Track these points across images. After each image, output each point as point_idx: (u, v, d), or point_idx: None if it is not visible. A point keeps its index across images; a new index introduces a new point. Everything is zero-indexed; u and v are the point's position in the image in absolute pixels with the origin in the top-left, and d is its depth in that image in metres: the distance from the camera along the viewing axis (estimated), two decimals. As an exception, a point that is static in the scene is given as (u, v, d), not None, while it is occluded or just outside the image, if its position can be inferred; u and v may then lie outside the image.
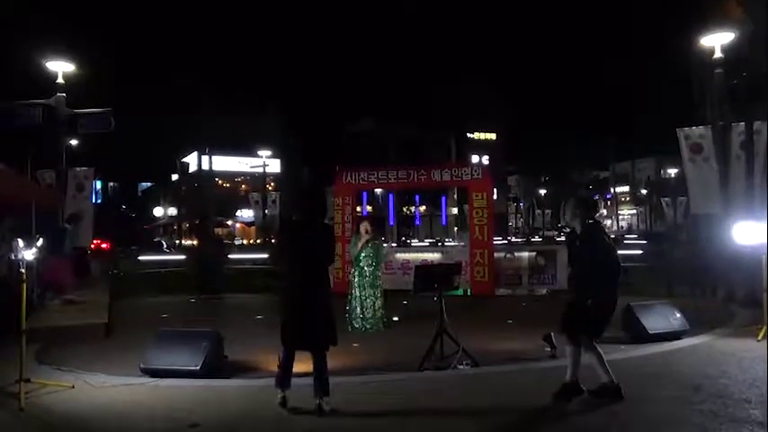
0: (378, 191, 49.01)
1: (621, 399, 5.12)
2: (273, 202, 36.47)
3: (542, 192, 72.69)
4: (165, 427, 4.91)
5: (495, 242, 15.33)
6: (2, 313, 7.14)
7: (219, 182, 58.07)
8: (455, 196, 57.33)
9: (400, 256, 14.90)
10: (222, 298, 13.44)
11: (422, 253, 16.81)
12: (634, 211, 74.19)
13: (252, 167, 46.04)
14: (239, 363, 6.81)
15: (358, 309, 9.23)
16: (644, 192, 66.35)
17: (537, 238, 49.47)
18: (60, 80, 12.47)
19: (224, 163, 55.72)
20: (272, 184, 52.10)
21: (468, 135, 71.80)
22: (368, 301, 9.23)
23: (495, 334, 8.55)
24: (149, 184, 79.22)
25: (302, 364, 6.42)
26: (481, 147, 70.75)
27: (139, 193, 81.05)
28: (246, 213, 56.09)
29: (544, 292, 13.78)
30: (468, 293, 13.15)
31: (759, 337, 7.30)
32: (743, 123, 11.23)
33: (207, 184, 47.94)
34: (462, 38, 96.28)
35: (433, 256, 15.12)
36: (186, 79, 47.13)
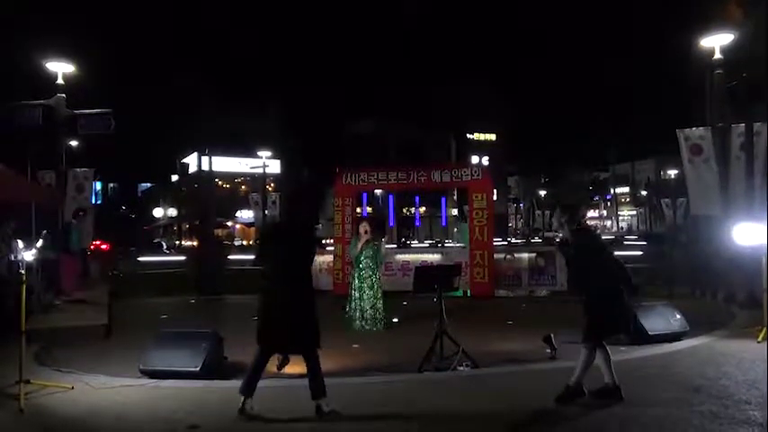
0: (378, 192, 49.01)
1: (621, 400, 5.13)
2: (273, 202, 36.40)
3: (542, 192, 72.70)
4: (165, 428, 4.90)
5: (494, 243, 15.31)
6: (1, 314, 7.15)
7: (219, 183, 58.04)
8: (455, 197, 57.30)
9: (400, 257, 14.90)
10: (222, 299, 13.43)
11: (421, 254, 16.81)
12: (634, 212, 74.26)
13: (252, 168, 45.98)
14: (239, 364, 6.79)
15: (358, 310, 9.23)
16: (644, 193, 66.42)
17: (537, 239, 49.46)
18: (60, 81, 12.46)
19: (224, 164, 55.66)
20: (272, 184, 52.07)
21: (468, 136, 71.75)
22: (367, 302, 9.23)
23: (495, 335, 8.55)
24: (149, 184, 79.23)
25: (297, 366, 6.44)
26: (481, 148, 70.68)
27: (139, 194, 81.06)
28: (246, 214, 56.05)
29: (544, 293, 13.79)
30: (468, 294, 13.15)
31: (759, 339, 7.30)
32: (743, 125, 11.23)
33: (207, 185, 47.89)
34: (462, 39, 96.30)
35: (433, 257, 15.12)
36: (186, 80, 47.15)
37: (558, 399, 5.18)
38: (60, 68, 12.54)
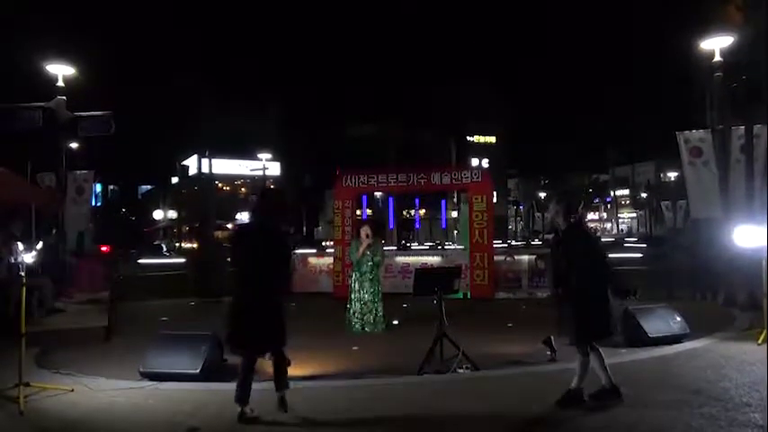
0: (377, 194, 49.01)
1: (621, 401, 5.12)
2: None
3: (542, 195, 72.73)
4: (165, 430, 4.91)
5: (494, 245, 15.32)
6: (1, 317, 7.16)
7: (219, 185, 58.06)
8: (455, 200, 57.32)
9: (400, 259, 14.91)
10: (222, 301, 13.40)
11: (422, 256, 16.81)
12: (634, 215, 74.28)
13: (252, 170, 46.04)
14: (239, 366, 6.79)
15: (358, 312, 9.23)
16: (644, 195, 66.43)
17: (537, 242, 49.47)
18: (61, 83, 12.48)
19: (224, 166, 55.67)
20: (272, 187, 52.06)
21: (468, 138, 71.79)
22: (368, 304, 9.23)
23: (495, 337, 8.54)
24: (149, 186, 79.23)
25: (297, 368, 6.44)
26: (481, 150, 70.75)
27: (139, 196, 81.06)
28: (246, 216, 56.04)
29: (544, 295, 13.77)
30: (468, 297, 13.14)
31: (759, 341, 7.30)
32: (743, 127, 11.23)
33: (207, 187, 47.89)
34: (462, 41, 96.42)
35: (433, 260, 15.13)
36: (186, 82, 47.16)
37: (558, 402, 5.17)
38: (60, 71, 12.56)
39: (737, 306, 10.35)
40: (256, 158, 41.02)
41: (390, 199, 52.13)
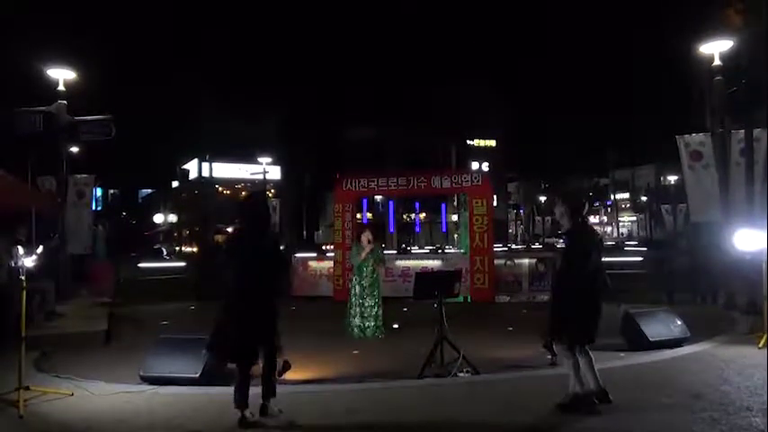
0: (378, 198, 49.06)
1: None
2: (274, 208, 36.49)
3: (542, 199, 72.75)
4: (165, 434, 4.90)
5: (495, 249, 15.32)
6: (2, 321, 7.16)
7: (220, 188, 58.11)
8: (455, 203, 57.35)
9: (400, 263, 14.90)
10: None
11: (422, 260, 16.81)
12: (634, 218, 74.24)
13: (252, 174, 46.08)
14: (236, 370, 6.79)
15: (358, 316, 9.23)
16: (644, 199, 66.42)
17: (537, 245, 49.48)
18: (61, 87, 12.50)
19: (224, 170, 55.75)
20: (273, 190, 52.11)
21: (468, 142, 71.84)
22: (368, 308, 9.22)
23: (496, 341, 8.54)
24: (149, 190, 79.29)
25: (297, 372, 6.43)
26: (481, 153, 70.77)
27: (140, 200, 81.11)
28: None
29: (545, 298, 13.75)
30: (469, 300, 13.14)
31: (760, 345, 7.29)
32: (742, 131, 11.25)
33: (207, 191, 47.96)
34: (462, 44, 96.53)
35: (433, 263, 15.12)
36: (186, 85, 47.25)
37: (560, 406, 5.14)
38: (61, 75, 12.58)
39: (738, 310, 10.33)
40: (257, 162, 41.06)
41: (390, 202, 52.18)
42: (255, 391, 5.05)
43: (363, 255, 9.31)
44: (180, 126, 52.41)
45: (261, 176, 38.04)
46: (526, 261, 14.50)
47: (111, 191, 73.21)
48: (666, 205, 38.41)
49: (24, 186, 13.06)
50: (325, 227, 58.65)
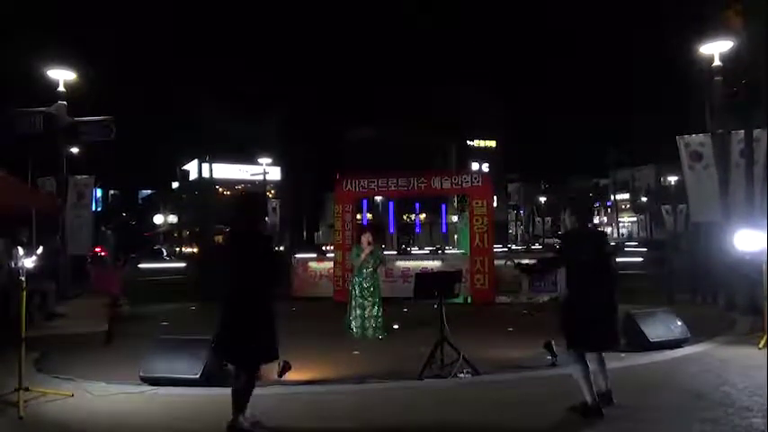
0: (378, 198, 49.07)
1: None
2: (274, 209, 36.49)
3: (542, 199, 72.81)
4: (165, 435, 4.89)
5: (495, 249, 15.30)
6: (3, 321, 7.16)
7: (220, 189, 58.16)
8: (455, 204, 57.38)
9: (400, 263, 14.89)
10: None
11: (422, 261, 16.80)
12: (634, 219, 74.24)
13: (252, 175, 46.10)
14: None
15: (358, 316, 9.22)
16: (644, 199, 66.45)
17: (537, 246, 49.48)
18: (61, 88, 12.50)
19: (224, 171, 55.77)
20: (273, 191, 52.13)
21: (468, 142, 71.90)
22: (368, 309, 9.22)
23: (496, 342, 8.53)
24: (149, 191, 79.28)
25: (297, 373, 6.43)
26: (481, 154, 70.85)
27: (140, 201, 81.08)
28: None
29: (545, 299, 13.75)
30: (469, 301, 13.14)
31: (760, 345, 7.29)
32: (742, 131, 11.24)
33: (207, 192, 47.92)
34: (462, 45, 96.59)
35: (434, 264, 15.11)
36: (186, 86, 47.27)
37: (573, 408, 5.11)
38: (61, 76, 12.59)
39: (738, 310, 10.34)
40: (257, 163, 41.08)
41: (390, 203, 52.20)
42: (256, 392, 5.02)
43: (363, 256, 9.32)
44: (180, 126, 52.43)
45: (261, 177, 38.01)
46: (526, 262, 14.47)
47: (112, 191, 73.19)
48: (666, 206, 38.41)
49: (25, 187, 13.06)
50: (325, 227, 58.68)
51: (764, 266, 7.42)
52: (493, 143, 74.15)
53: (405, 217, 60.72)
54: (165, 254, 47.35)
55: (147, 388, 6.09)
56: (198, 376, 6.14)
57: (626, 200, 75.02)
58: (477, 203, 13.76)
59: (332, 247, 16.34)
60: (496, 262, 13.89)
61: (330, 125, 60.58)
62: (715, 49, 11.31)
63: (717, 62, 11.29)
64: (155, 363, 6.35)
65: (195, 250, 35.19)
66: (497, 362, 7.11)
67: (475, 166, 59.99)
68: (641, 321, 7.59)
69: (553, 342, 6.86)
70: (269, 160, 39.35)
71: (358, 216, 21.91)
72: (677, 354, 7.27)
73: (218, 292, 4.99)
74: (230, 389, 4.82)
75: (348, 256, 10.75)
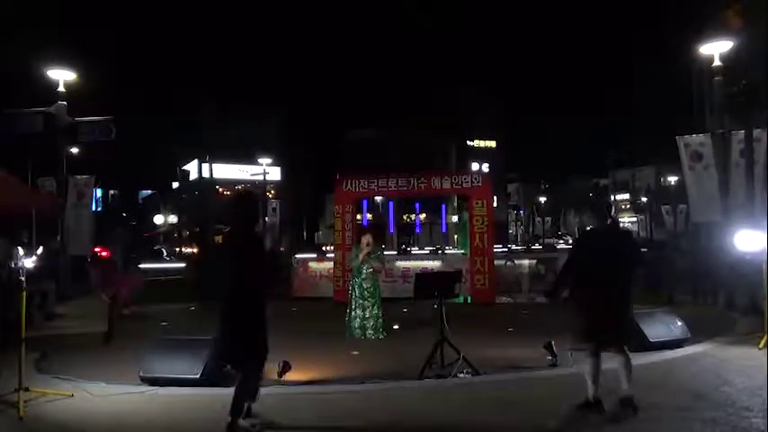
0: (378, 198, 49.06)
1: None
2: (274, 209, 36.50)
3: (542, 199, 72.80)
4: (165, 435, 4.89)
5: (495, 250, 15.31)
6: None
7: (220, 189, 58.17)
8: (455, 204, 57.35)
9: (400, 263, 14.89)
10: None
11: (422, 261, 16.81)
12: (634, 219, 74.19)
13: (252, 175, 46.12)
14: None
15: (358, 317, 9.22)
16: (644, 199, 66.45)
17: (537, 246, 49.47)
18: (62, 88, 12.51)
19: (224, 171, 55.77)
20: (273, 191, 52.16)
21: (468, 143, 71.90)
22: (367, 309, 9.22)
23: (496, 342, 8.53)
24: (150, 191, 79.25)
25: (297, 373, 6.43)
26: (481, 154, 70.83)
27: (140, 201, 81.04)
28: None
29: (545, 299, 13.75)
30: (469, 301, 13.14)
31: (760, 346, 7.29)
32: (742, 131, 11.26)
33: (207, 192, 47.93)
34: (462, 45, 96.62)
35: (434, 264, 15.12)
36: (187, 86, 47.31)
37: (580, 407, 5.11)
38: (61, 76, 12.59)
39: (738, 310, 10.34)
40: (257, 163, 41.06)
41: (390, 203, 52.18)
42: (261, 392, 5.02)
43: (362, 256, 9.32)
44: (180, 126, 52.44)
45: (261, 177, 37.99)
46: (526, 262, 14.50)
47: (112, 191, 73.19)
48: (667, 206, 38.44)
49: (25, 187, 13.07)
50: (325, 228, 58.67)
51: (764, 266, 7.41)
52: (493, 143, 74.12)
53: (405, 217, 60.69)
54: (165, 254, 47.34)
55: (147, 388, 6.09)
56: (198, 376, 6.14)
57: (626, 200, 74.98)
58: (477, 203, 13.76)
59: (332, 248, 16.34)
60: (496, 262, 13.90)
61: (330, 125, 60.66)
62: (715, 49, 11.31)
63: (717, 62, 11.29)
64: (155, 363, 6.35)
65: (195, 250, 35.18)
66: (497, 362, 7.11)
67: (475, 166, 59.88)
68: (641, 321, 7.57)
69: (553, 342, 6.87)
70: (269, 160, 39.31)
71: (358, 216, 21.90)
72: (677, 354, 7.27)
73: (216, 292, 4.99)
74: (230, 389, 4.82)
75: (348, 257, 10.75)
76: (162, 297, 15.07)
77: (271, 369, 6.00)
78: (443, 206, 55.94)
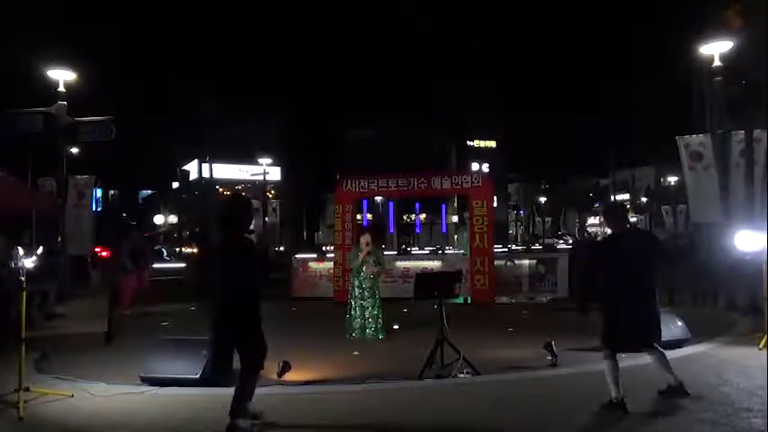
0: (378, 198, 49.06)
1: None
2: (274, 210, 36.53)
3: (542, 199, 72.78)
4: (165, 435, 4.89)
5: (495, 250, 15.31)
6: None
7: (220, 189, 58.15)
8: (455, 204, 57.36)
9: (400, 264, 14.89)
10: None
11: (422, 261, 16.80)
12: (635, 219, 74.17)
13: (252, 175, 46.13)
14: (239, 371, 6.78)
15: (358, 317, 9.22)
16: (644, 200, 66.44)
17: (537, 246, 49.46)
18: (62, 88, 12.50)
19: (224, 171, 55.78)
20: (273, 191, 52.16)
21: (468, 143, 71.90)
22: (368, 309, 9.22)
23: (496, 342, 8.53)
24: (150, 191, 79.23)
25: (297, 373, 6.43)
26: (481, 154, 70.82)
27: (140, 201, 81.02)
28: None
29: (545, 299, 13.76)
30: (469, 301, 13.14)
31: (760, 346, 7.28)
32: (742, 131, 11.25)
33: (207, 192, 47.96)
34: (462, 45, 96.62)
35: (434, 264, 15.11)
36: (187, 86, 47.30)
37: (606, 406, 5.12)
38: (61, 76, 12.59)
39: (738, 310, 10.34)
40: (257, 163, 41.06)
41: (390, 203, 52.18)
42: (258, 392, 5.02)
43: (361, 256, 9.32)
44: (180, 126, 52.43)
45: (261, 177, 37.99)
46: (526, 262, 14.50)
47: (112, 191, 73.17)
48: (666, 206, 38.46)
49: (25, 187, 13.07)
50: (325, 228, 58.64)
51: (764, 266, 7.41)
52: (493, 143, 74.13)
53: (405, 217, 60.70)
54: (165, 254, 47.35)
55: (147, 388, 6.09)
56: (198, 377, 6.14)
57: (626, 200, 74.97)
58: (477, 204, 13.76)
59: (332, 248, 16.34)
60: (496, 262, 13.90)
61: (330, 125, 60.62)
62: (715, 49, 11.31)
63: (717, 62, 11.29)
64: (155, 363, 6.35)
65: (194, 251, 35.19)
66: (497, 362, 7.11)
67: (475, 166, 59.87)
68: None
69: (553, 343, 6.87)
70: (269, 160, 39.32)
71: (358, 216, 21.91)
72: (677, 354, 7.25)
73: (212, 292, 5.01)
74: (230, 389, 4.82)
75: (347, 258, 10.75)
76: (162, 297, 15.07)
77: (271, 369, 6.01)
78: (443, 206, 55.96)
